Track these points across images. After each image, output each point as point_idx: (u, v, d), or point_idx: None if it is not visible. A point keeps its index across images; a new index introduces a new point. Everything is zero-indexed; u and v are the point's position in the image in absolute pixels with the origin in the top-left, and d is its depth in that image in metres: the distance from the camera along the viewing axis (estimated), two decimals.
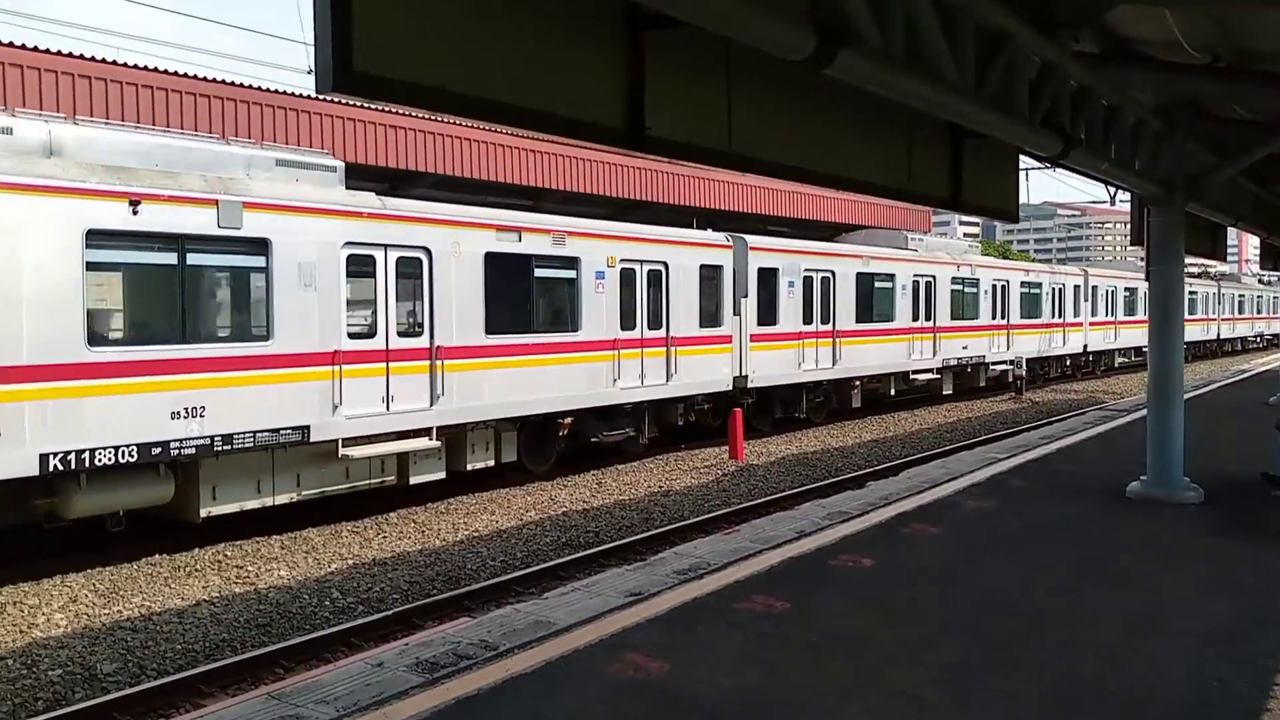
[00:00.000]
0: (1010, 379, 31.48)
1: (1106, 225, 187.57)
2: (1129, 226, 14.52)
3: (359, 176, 19.07)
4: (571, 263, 16.73)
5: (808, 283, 22.46)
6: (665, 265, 18.57)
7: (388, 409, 13.74)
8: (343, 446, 13.24)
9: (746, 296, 20.67)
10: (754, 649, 6.23)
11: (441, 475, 14.90)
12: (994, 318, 30.69)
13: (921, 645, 6.30)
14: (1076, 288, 36.75)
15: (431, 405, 14.21)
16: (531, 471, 16.74)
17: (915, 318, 26.47)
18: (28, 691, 7.94)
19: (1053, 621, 6.84)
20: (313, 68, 3.67)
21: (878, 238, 27.55)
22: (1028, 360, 32.25)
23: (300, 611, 10.03)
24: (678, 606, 7.12)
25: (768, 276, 21.32)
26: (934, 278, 27.40)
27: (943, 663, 6.02)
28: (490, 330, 15.11)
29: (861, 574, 7.97)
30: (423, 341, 14.28)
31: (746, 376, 20.68)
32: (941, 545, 8.95)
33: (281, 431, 12.49)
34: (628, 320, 17.80)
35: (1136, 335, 41.37)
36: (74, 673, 8.33)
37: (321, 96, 17.42)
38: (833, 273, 23.25)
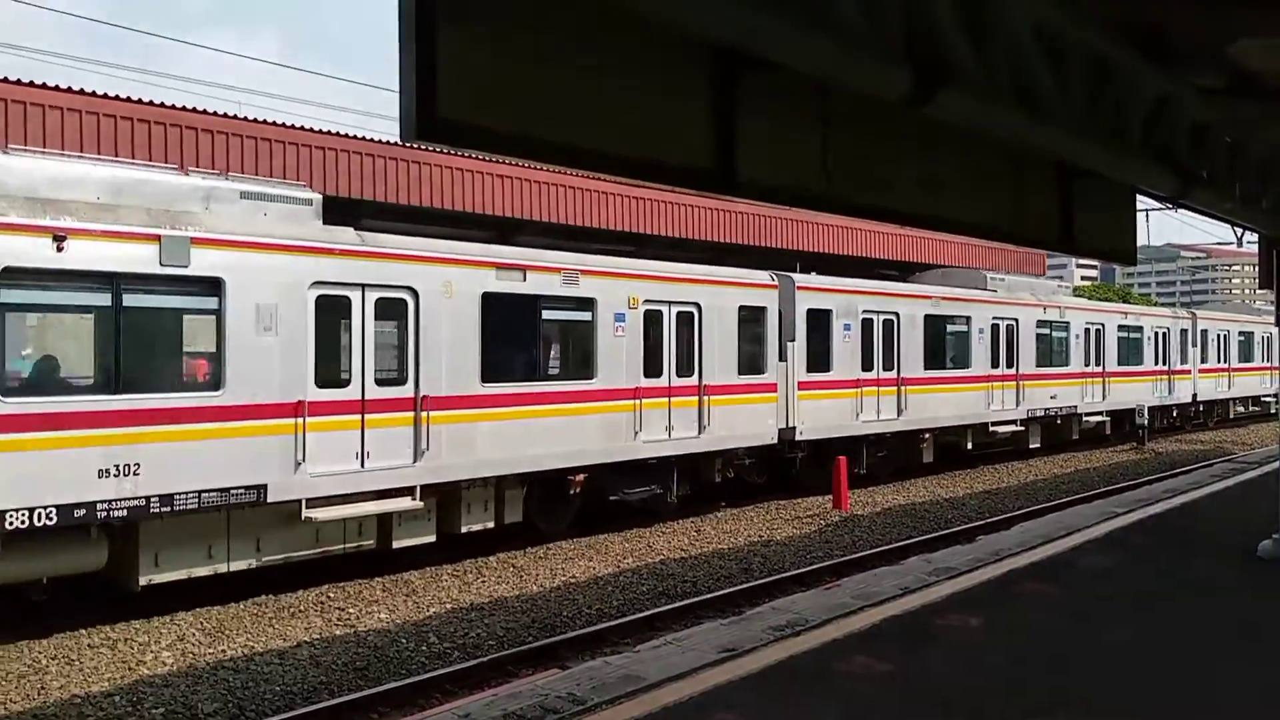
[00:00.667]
0: (1106, 431, 29.44)
1: (1234, 268, 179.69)
2: (1257, 269, 13.73)
3: (468, 225, 19.55)
4: (586, 304, 15.29)
5: (867, 325, 20.73)
6: (698, 306, 17.03)
7: (362, 465, 12.36)
8: (307, 508, 11.80)
9: (794, 340, 19.08)
10: (855, 713, 5.94)
11: (431, 539, 13.44)
12: (1087, 364, 28.25)
13: (1031, 716, 5.92)
14: (1184, 332, 34.15)
15: (415, 461, 12.79)
16: (544, 533, 15.18)
17: (995, 364, 24.36)
18: None
19: (1186, 697, 6.35)
20: (399, 119, 3.67)
21: (954, 277, 25.79)
22: (1123, 412, 29.89)
23: (397, 655, 10.05)
24: (772, 665, 6.87)
25: (819, 319, 19.69)
26: (1016, 320, 25.33)
27: None
28: (487, 378, 13.71)
29: (969, 636, 7.58)
30: (406, 391, 12.92)
31: (795, 428, 18.93)
32: (1056, 607, 8.48)
33: (233, 491, 11.17)
34: (652, 367, 16.30)
35: (1252, 383, 39.10)
36: (176, 712, 8.46)
37: (428, 147, 17.88)
38: (896, 314, 21.49)
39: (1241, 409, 39.60)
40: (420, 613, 11.60)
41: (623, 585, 12.89)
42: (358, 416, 12.40)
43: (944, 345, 22.92)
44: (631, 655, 7.24)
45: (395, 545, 12.95)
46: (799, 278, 19.48)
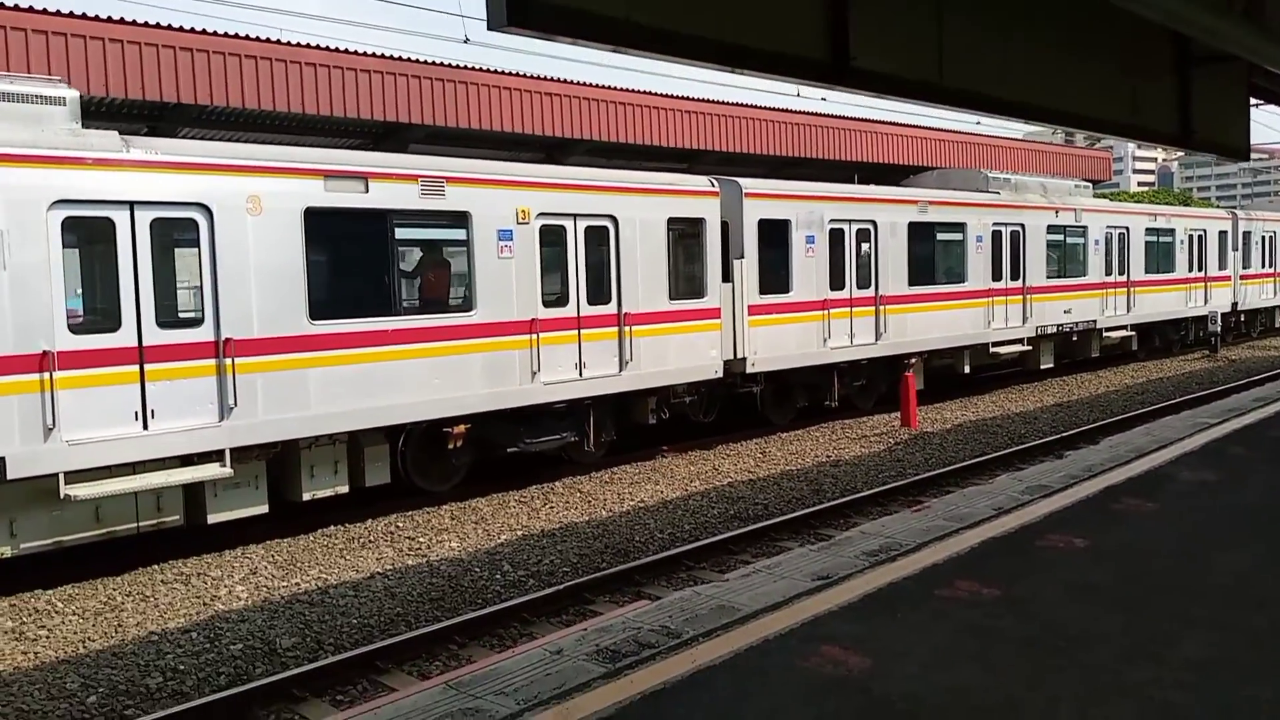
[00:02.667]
0: (1133, 347, 27.12)
1: None
2: None
3: (517, 147, 19.09)
4: (458, 219, 12.82)
5: (836, 237, 18.10)
6: (613, 219, 14.48)
7: (145, 427, 10.22)
8: (66, 484, 9.74)
9: (743, 258, 16.55)
10: (966, 643, 5.60)
11: (262, 509, 11.42)
12: (1108, 274, 25.32)
13: (1158, 642, 5.54)
14: (1222, 234, 30.71)
15: (222, 419, 10.70)
16: (429, 493, 13.21)
17: (997, 277, 21.63)
18: (210, 666, 8.01)
19: None
20: (485, 6, 3.26)
21: (951, 179, 22.74)
22: (1152, 325, 27.64)
23: (472, 585, 9.90)
24: (872, 592, 6.53)
25: (775, 231, 17.05)
26: (1022, 225, 22.31)
27: (1187, 663, 5.26)
28: (319, 315, 11.47)
29: (1075, 557, 7.18)
30: (203, 334, 10.69)
31: (745, 359, 16.60)
32: (1162, 524, 8.04)
33: None
34: (554, 294, 13.94)
35: None
36: (254, 647, 8.37)
37: (479, 67, 17.30)
38: (873, 223, 18.74)
39: None
40: (491, 540, 11.45)
41: (692, 509, 12.65)
42: (134, 368, 10.19)
43: (933, 257, 20.30)
44: (722, 584, 6.94)
45: (211, 519, 11.03)
46: (747, 183, 16.87)
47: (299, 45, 15.93)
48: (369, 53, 16.59)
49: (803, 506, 12.59)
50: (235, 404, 10.74)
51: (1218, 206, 43.34)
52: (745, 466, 15.19)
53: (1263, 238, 33.18)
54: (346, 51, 16.41)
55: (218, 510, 11.08)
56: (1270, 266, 33.80)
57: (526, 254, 13.42)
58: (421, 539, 11.54)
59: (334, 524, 12.08)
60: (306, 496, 11.81)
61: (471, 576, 10.13)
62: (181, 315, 10.93)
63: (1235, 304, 31.73)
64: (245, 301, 10.91)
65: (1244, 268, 31.99)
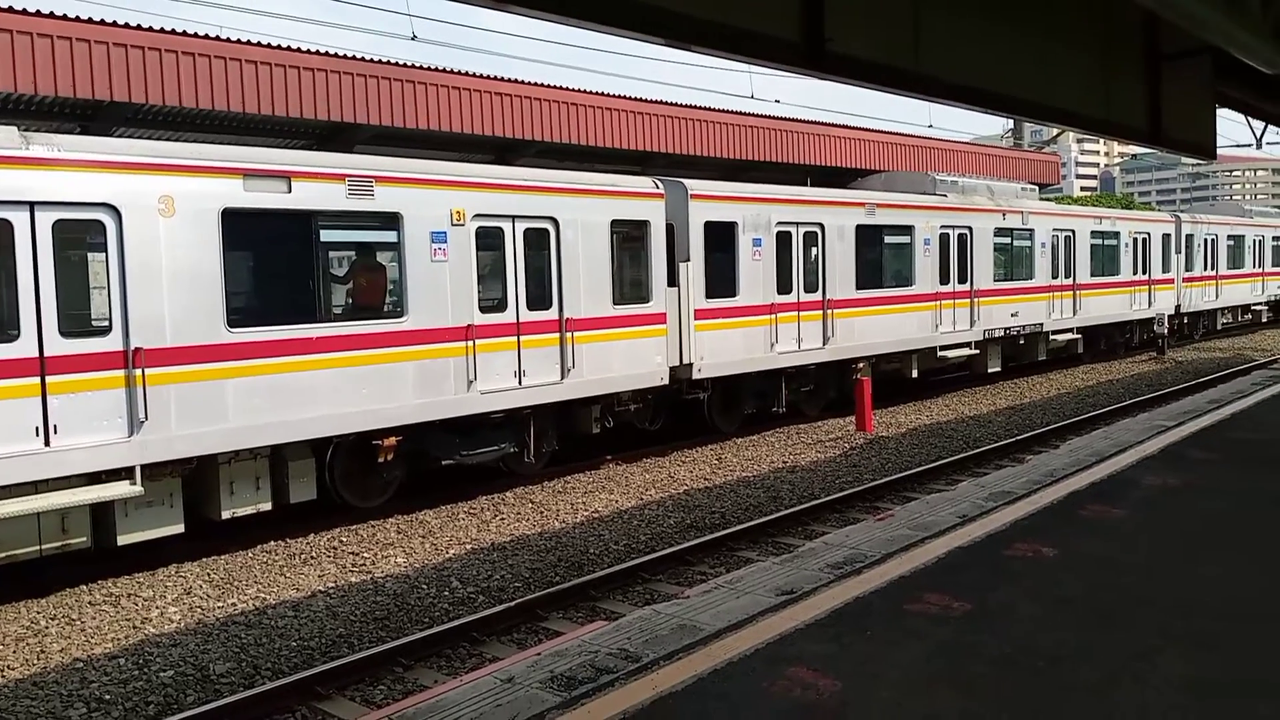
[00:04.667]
0: (1078, 350, 27.02)
1: (1234, 173, 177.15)
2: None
3: (467, 148, 18.63)
4: (388, 220, 12.25)
5: (783, 240, 17.75)
6: (554, 222, 13.97)
7: (47, 444, 9.54)
8: None
9: (689, 261, 16.12)
10: (940, 664, 5.32)
11: (178, 528, 10.72)
12: (1055, 277, 25.25)
13: (1141, 659, 5.30)
14: (1166, 237, 30.73)
15: (132, 434, 10.03)
16: (357, 509, 12.56)
17: (945, 280, 21.39)
18: (139, 695, 7.51)
19: None
20: None
21: (898, 182, 22.36)
22: (1097, 328, 27.69)
23: (419, 603, 9.47)
24: (839, 608, 6.24)
25: (721, 234, 16.69)
26: (970, 228, 22.12)
27: (1175, 681, 5.02)
28: (237, 323, 10.85)
29: (1046, 568, 6.96)
30: (112, 343, 10.00)
31: (691, 365, 16.15)
32: (1130, 531, 7.85)
33: None
34: (492, 299, 13.37)
35: (1242, 292, 36.21)
36: (186, 673, 7.88)
37: (426, 66, 16.84)
38: (821, 226, 18.41)
39: (1227, 320, 36.88)
40: (439, 555, 11.02)
41: (648, 519, 12.32)
42: (35, 380, 9.53)
43: (881, 260, 20.02)
44: (683, 602, 6.61)
45: (122, 541, 10.33)
46: (693, 184, 16.45)
47: (240, 42, 15.35)
48: (313, 50, 16.06)
49: (761, 514, 12.32)
50: (146, 417, 10.07)
51: (1158, 210, 43.78)
52: (700, 473, 14.90)
53: (1205, 240, 33.34)
54: (290, 49, 15.86)
55: (129, 531, 10.37)
56: (1212, 269, 34.01)
57: (462, 257, 12.88)
58: (366, 554, 11.08)
59: (274, 539, 11.57)
60: (226, 515, 11.15)
61: (418, 594, 9.70)
62: (87, 324, 10.20)
63: (1179, 307, 31.80)
64: (157, 309, 10.27)
65: (1187, 270, 32.17)
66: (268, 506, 11.49)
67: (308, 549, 11.30)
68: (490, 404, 13.24)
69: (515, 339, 13.55)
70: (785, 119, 23.92)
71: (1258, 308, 38.23)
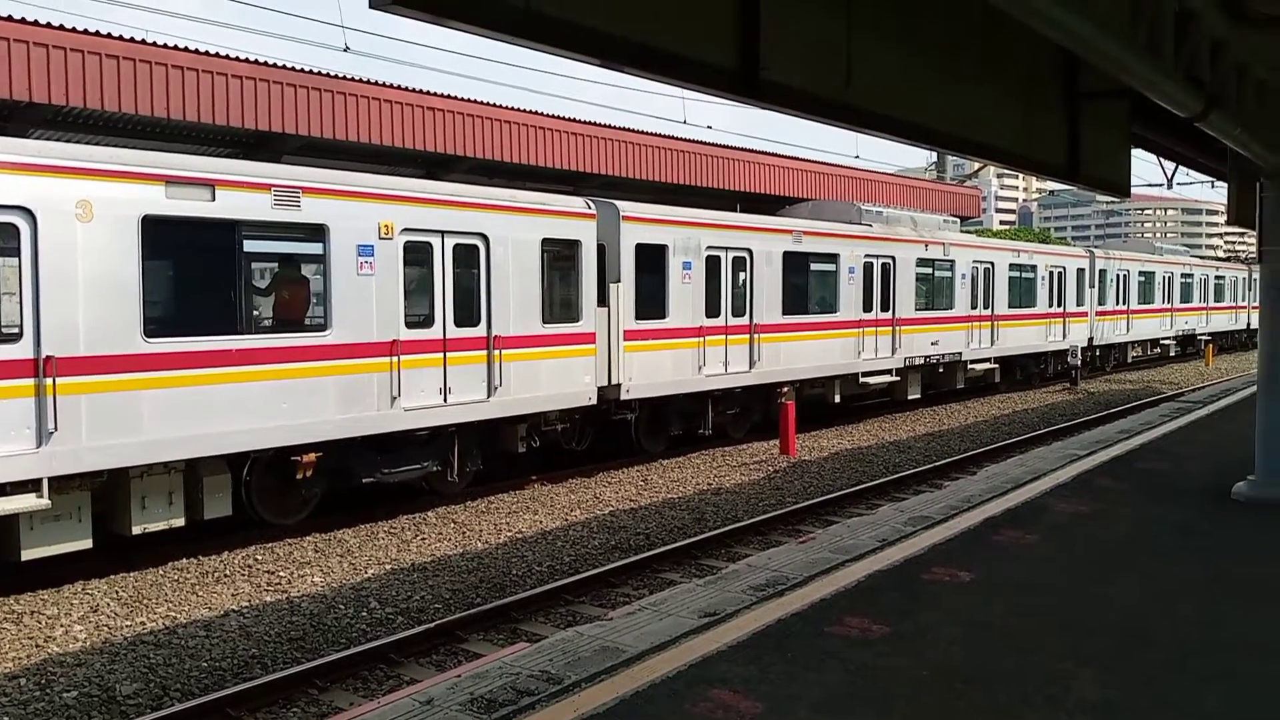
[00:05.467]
0: (995, 379, 27.69)
1: (1146, 211, 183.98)
2: (1226, 207, 13.30)
3: (397, 161, 18.46)
4: (314, 232, 11.98)
5: (712, 264, 17.87)
6: (484, 238, 13.83)
7: None
8: None
9: (619, 281, 16.13)
10: (860, 684, 5.38)
11: (85, 544, 10.30)
12: (974, 307, 25.84)
13: (1054, 682, 5.42)
14: (1080, 271, 31.77)
15: (40, 445, 9.63)
16: (274, 526, 12.28)
17: (868, 308, 21.72)
18: (40, 716, 7.23)
19: (1197, 650, 5.93)
20: None
21: (825, 210, 22.77)
22: (1014, 358, 28.40)
23: (336, 623, 9.29)
24: (761, 630, 6.28)
25: (652, 256, 16.75)
26: (893, 258, 22.55)
27: (1086, 704, 5.14)
28: (155, 332, 10.55)
29: (962, 591, 7.09)
30: (22, 351, 9.60)
31: (620, 385, 16.16)
32: (1043, 556, 8.05)
33: None
34: (419, 314, 13.22)
35: (1152, 326, 37.63)
36: (91, 694, 7.61)
37: (358, 78, 16.66)
38: (749, 251, 18.61)
39: (1137, 354, 38.18)
40: (357, 575, 10.83)
41: (572, 539, 12.26)
42: None
43: (807, 287, 20.26)
44: (605, 624, 6.58)
45: (26, 555, 9.88)
46: (625, 206, 16.50)
47: (165, 46, 15.02)
48: (241, 58, 15.79)
49: (686, 536, 12.35)
50: (55, 428, 9.68)
51: (1073, 245, 45.25)
52: (626, 494, 14.89)
53: (1117, 275, 34.46)
54: (216, 55, 15.56)
55: (34, 545, 9.91)
56: (1124, 304, 35.15)
57: (389, 271, 12.63)
58: (282, 573, 10.83)
59: (186, 557, 11.25)
60: (136, 530, 10.74)
61: (335, 614, 9.52)
62: None
63: (1091, 339, 32.80)
64: (71, 316, 9.89)
65: (1100, 304, 33.23)
66: (181, 522, 11.14)
67: (221, 567, 11.02)
68: (414, 421, 13.02)
69: (442, 355, 13.33)
70: (717, 145, 24.18)
71: (1166, 342, 39.59)
